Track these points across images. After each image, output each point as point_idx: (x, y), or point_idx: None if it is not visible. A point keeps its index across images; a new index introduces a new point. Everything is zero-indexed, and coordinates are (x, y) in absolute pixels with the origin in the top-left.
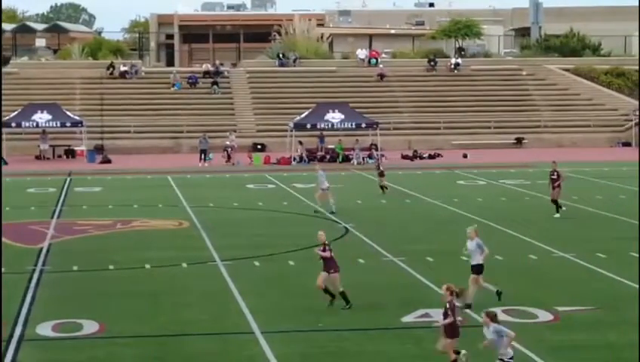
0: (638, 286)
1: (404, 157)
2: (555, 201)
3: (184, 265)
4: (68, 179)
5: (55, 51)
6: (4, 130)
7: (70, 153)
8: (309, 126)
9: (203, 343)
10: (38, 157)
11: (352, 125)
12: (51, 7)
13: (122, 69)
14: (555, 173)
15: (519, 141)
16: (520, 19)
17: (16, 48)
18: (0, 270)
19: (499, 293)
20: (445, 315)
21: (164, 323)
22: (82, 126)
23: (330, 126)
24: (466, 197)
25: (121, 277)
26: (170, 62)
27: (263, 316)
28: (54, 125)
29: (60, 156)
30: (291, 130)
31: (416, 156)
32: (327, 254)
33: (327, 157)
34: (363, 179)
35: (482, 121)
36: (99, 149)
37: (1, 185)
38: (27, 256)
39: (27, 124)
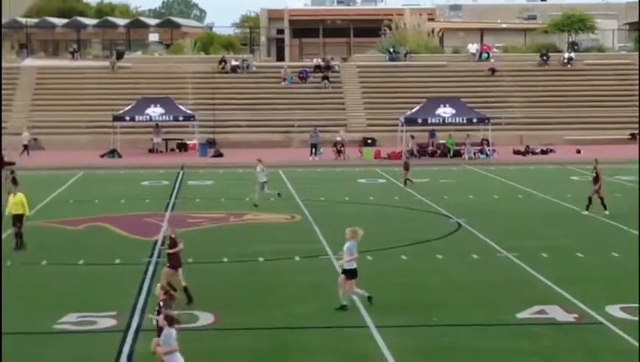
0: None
1: (516, 152)
2: (589, 199)
3: (297, 258)
4: (180, 173)
5: (167, 46)
6: (118, 123)
7: (182, 146)
8: (419, 121)
9: (315, 336)
10: (151, 151)
11: (463, 120)
12: (163, 2)
13: (234, 63)
14: (595, 172)
15: (634, 137)
16: (633, 13)
17: (130, 43)
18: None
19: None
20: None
21: (277, 315)
22: (194, 120)
23: (441, 121)
24: (580, 193)
25: (235, 269)
26: (280, 57)
27: (377, 310)
28: (167, 119)
29: (172, 149)
30: (402, 125)
31: (528, 151)
32: (177, 249)
33: (438, 152)
34: (474, 174)
35: (596, 117)
36: (211, 143)
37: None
38: (142, 248)
39: (140, 118)
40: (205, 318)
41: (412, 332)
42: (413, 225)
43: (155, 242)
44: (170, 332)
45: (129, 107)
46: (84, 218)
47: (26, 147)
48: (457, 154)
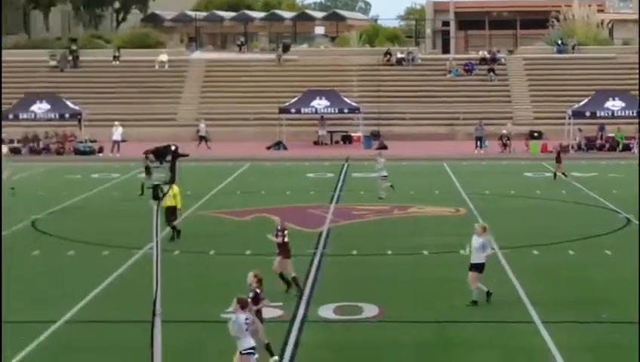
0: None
1: None
2: None
3: (461, 251)
4: (345, 165)
5: (333, 39)
6: (283, 115)
7: (347, 139)
8: (588, 114)
9: (480, 330)
10: (316, 143)
11: (633, 113)
12: None
13: (399, 56)
14: None
15: None
16: None
17: (296, 36)
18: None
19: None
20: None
21: (441, 309)
22: (359, 112)
23: (609, 114)
24: None
25: (400, 262)
26: (445, 49)
27: (543, 305)
28: (332, 111)
29: (337, 142)
30: (569, 118)
31: None
32: (279, 240)
33: (607, 145)
34: None
35: None
36: (375, 135)
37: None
38: (308, 239)
39: (306, 110)
40: (370, 310)
41: (580, 329)
42: (580, 219)
43: (320, 234)
44: (239, 318)
45: (295, 99)
46: (250, 209)
47: (202, 138)
48: (626, 148)
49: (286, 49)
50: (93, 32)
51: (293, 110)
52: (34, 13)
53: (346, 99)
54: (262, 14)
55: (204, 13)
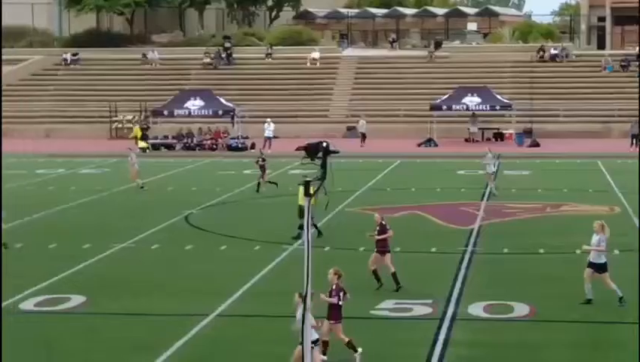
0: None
1: None
2: None
3: (616, 251)
4: (497, 162)
5: (485, 35)
6: (435, 112)
7: (499, 136)
8: None
9: (636, 333)
10: (467, 140)
11: None
12: None
13: (552, 52)
14: None
15: None
16: None
17: (448, 32)
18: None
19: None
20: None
21: (595, 309)
22: (511, 109)
23: None
24: None
25: (552, 261)
26: (601, 45)
27: None
28: (484, 108)
29: (488, 139)
30: None
31: None
32: (386, 236)
33: None
34: None
35: None
36: (527, 133)
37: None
38: (458, 237)
39: (457, 107)
40: (521, 309)
41: None
42: None
43: (471, 231)
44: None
45: (446, 96)
46: (400, 206)
47: (363, 135)
48: None
49: (438, 46)
50: (247, 30)
51: (444, 107)
52: (189, 12)
53: (497, 95)
54: (414, 11)
55: (356, 10)
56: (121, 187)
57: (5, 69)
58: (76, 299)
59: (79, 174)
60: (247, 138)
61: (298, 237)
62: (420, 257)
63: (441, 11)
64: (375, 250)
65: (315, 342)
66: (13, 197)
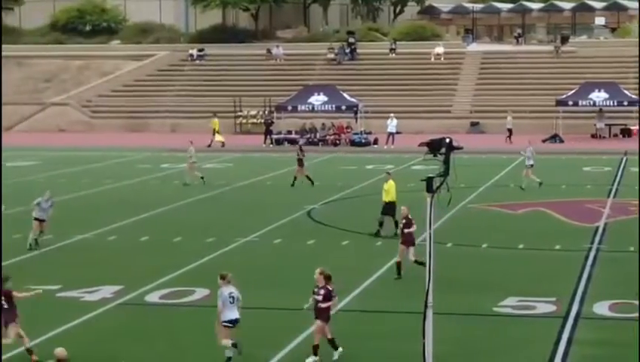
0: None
1: None
2: None
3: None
4: (623, 159)
5: (613, 30)
6: (560, 108)
7: (626, 132)
8: None
9: None
10: (593, 136)
11: None
12: None
13: None
14: None
15: None
16: None
17: (575, 27)
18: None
19: None
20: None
21: None
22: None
23: None
24: None
25: None
26: None
27: None
28: (611, 104)
29: (615, 135)
30: None
31: None
32: (411, 229)
33: None
34: None
35: None
36: None
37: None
38: (583, 234)
39: (583, 103)
40: None
41: None
42: None
43: (596, 229)
44: (223, 292)
45: (572, 92)
46: (523, 202)
47: (510, 131)
48: None
49: (564, 40)
50: (371, 25)
51: (570, 103)
52: (314, 7)
53: (625, 91)
54: (540, 5)
55: (481, 5)
56: (244, 181)
57: (133, 64)
58: (200, 292)
59: (203, 168)
60: (370, 133)
61: (377, 234)
62: (544, 255)
63: (568, 5)
64: (400, 241)
65: (231, 322)
66: (137, 191)
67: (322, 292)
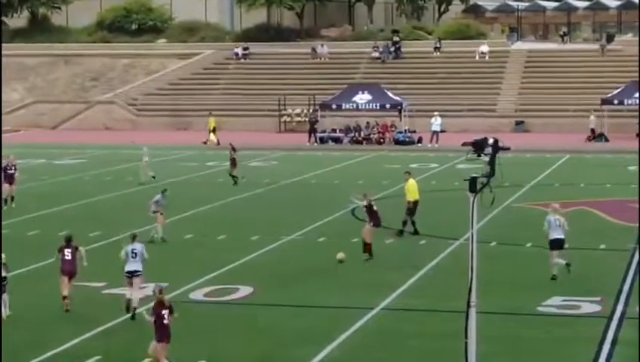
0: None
1: None
2: None
3: None
4: None
5: None
6: (606, 107)
7: None
8: None
9: None
10: (638, 135)
11: None
12: None
13: None
14: None
15: None
16: None
17: (621, 25)
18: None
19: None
20: None
21: None
22: None
23: None
24: None
25: None
26: None
27: None
28: None
29: None
30: None
31: None
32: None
33: None
34: None
35: None
36: None
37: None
38: (628, 234)
39: (629, 102)
40: None
41: None
42: None
43: None
44: (127, 248)
45: (617, 90)
46: (569, 201)
47: (592, 131)
48: None
49: (610, 39)
50: (416, 24)
51: (615, 101)
52: (358, 6)
53: None
54: (586, 3)
55: (527, 4)
56: (288, 180)
57: (179, 63)
58: (244, 290)
59: (248, 167)
60: (414, 132)
61: (400, 233)
62: (588, 254)
63: (614, 4)
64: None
65: (129, 273)
66: (183, 187)
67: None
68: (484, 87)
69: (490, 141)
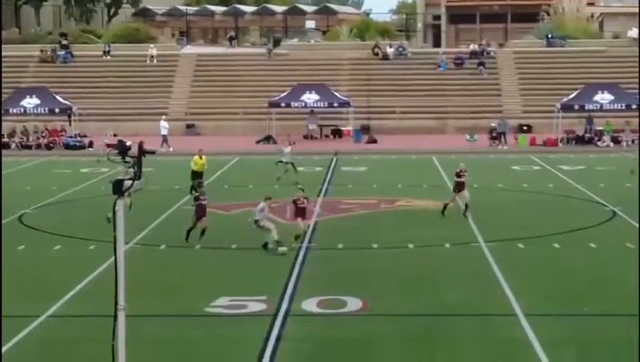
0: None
1: None
2: None
3: (447, 245)
4: (334, 159)
5: (324, 33)
6: (273, 109)
7: (337, 133)
8: (576, 107)
9: (465, 323)
10: (305, 137)
11: (622, 106)
12: None
13: (388, 50)
14: None
15: None
16: None
17: (287, 30)
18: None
19: None
20: None
21: (426, 302)
22: (349, 106)
23: (598, 107)
24: None
25: (385, 256)
26: (436, 43)
27: (527, 298)
28: (322, 105)
29: (327, 136)
30: (558, 112)
31: None
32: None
33: (595, 138)
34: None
35: None
36: (365, 129)
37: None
38: (294, 233)
39: (296, 104)
40: (353, 304)
41: (562, 322)
42: (566, 212)
43: (307, 227)
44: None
45: (284, 94)
46: (239, 203)
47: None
48: (615, 141)
49: (277, 43)
50: (85, 27)
51: (283, 104)
52: (25, 8)
53: (336, 93)
54: (253, 8)
55: (196, 8)
56: None
57: None
58: None
59: None
60: (85, 136)
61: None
62: (253, 254)
63: (280, 9)
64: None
65: None
66: None
67: None
68: (156, 90)
69: (129, 143)
